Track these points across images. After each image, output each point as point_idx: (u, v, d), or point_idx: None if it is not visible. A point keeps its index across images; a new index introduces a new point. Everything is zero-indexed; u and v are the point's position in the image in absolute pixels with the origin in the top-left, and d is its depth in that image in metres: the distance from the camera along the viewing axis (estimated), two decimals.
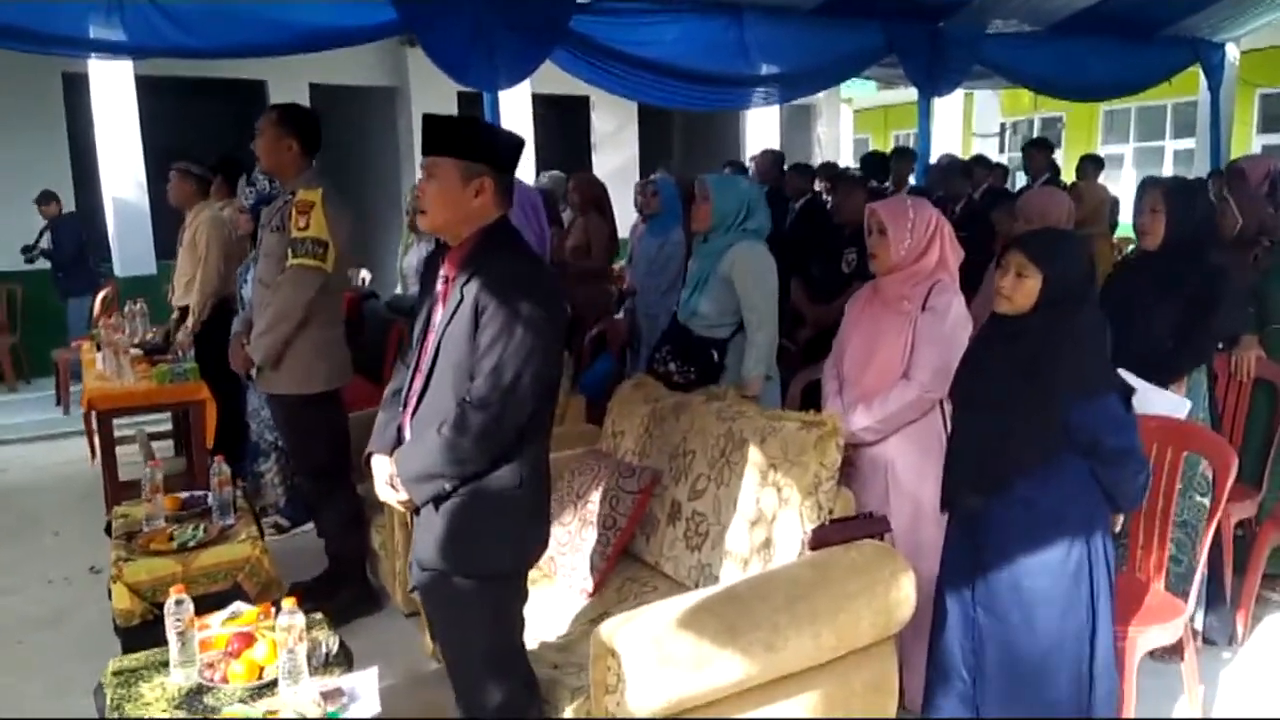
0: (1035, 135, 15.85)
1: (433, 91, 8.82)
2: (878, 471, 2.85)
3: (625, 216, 6.17)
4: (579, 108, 11.30)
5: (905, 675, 2.72)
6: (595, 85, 6.91)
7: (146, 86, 8.33)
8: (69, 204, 8.47)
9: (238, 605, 2.56)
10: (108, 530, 3.45)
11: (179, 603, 2.32)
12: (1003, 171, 8.08)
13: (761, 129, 11.97)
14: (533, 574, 3.00)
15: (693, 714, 2.16)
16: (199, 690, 2.28)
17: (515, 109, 8.71)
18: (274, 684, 2.25)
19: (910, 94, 7.94)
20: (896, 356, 2.78)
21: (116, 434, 4.78)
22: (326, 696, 2.18)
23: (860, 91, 16.07)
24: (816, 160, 10.97)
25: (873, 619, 2.33)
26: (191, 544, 3.11)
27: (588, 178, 5.91)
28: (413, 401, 2.23)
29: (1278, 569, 3.59)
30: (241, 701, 2.23)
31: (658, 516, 2.97)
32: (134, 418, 5.18)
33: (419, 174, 2.36)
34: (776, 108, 11.46)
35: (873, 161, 7.45)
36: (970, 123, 14.02)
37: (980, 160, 8.10)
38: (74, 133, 8.72)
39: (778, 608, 2.20)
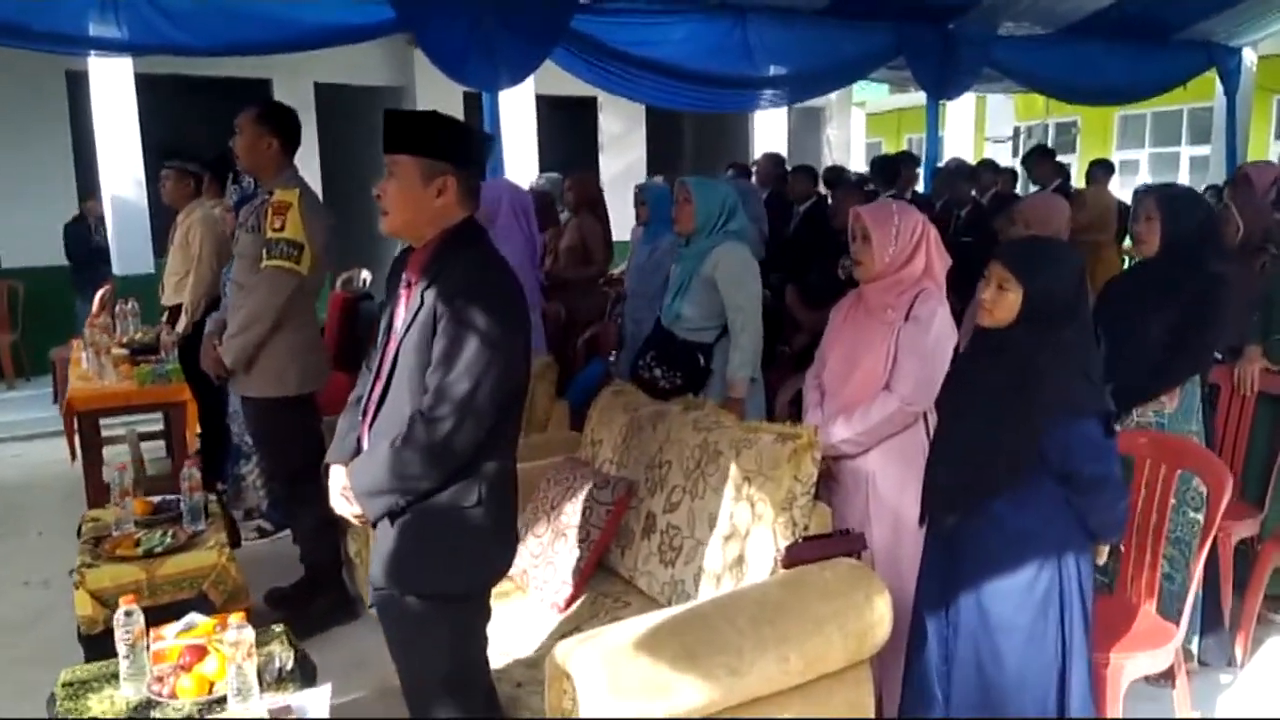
0: (1050, 140, 15.73)
1: (438, 91, 8.72)
2: (859, 484, 2.75)
3: (630, 219, 6.08)
4: (586, 108, 11.23)
5: (885, 693, 2.64)
6: (597, 86, 6.85)
7: (148, 85, 8.32)
8: (72, 202, 8.47)
9: (192, 616, 2.49)
10: (79, 533, 3.40)
11: (128, 614, 2.25)
12: (1012, 176, 7.95)
13: (770, 131, 11.88)
14: (506, 586, 2.94)
15: None
16: (147, 704, 2.21)
17: (518, 109, 8.66)
18: (224, 700, 2.18)
19: (924, 97, 7.83)
20: (878, 367, 2.69)
21: (107, 433, 4.75)
22: (275, 714, 2.11)
23: (873, 95, 15.96)
24: (826, 163, 10.85)
25: (844, 643, 2.23)
26: (158, 550, 3.04)
27: (583, 178, 5.83)
28: (371, 410, 2.16)
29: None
30: (189, 718, 2.16)
31: (633, 529, 2.88)
32: (126, 417, 5.14)
33: None
34: (785, 110, 11.36)
35: (883, 165, 7.32)
36: (983, 127, 13.88)
37: (987, 164, 7.97)
38: (77, 131, 8.72)
39: (742, 630, 2.11)
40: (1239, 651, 3.23)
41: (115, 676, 2.30)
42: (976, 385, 2.29)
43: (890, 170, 7.19)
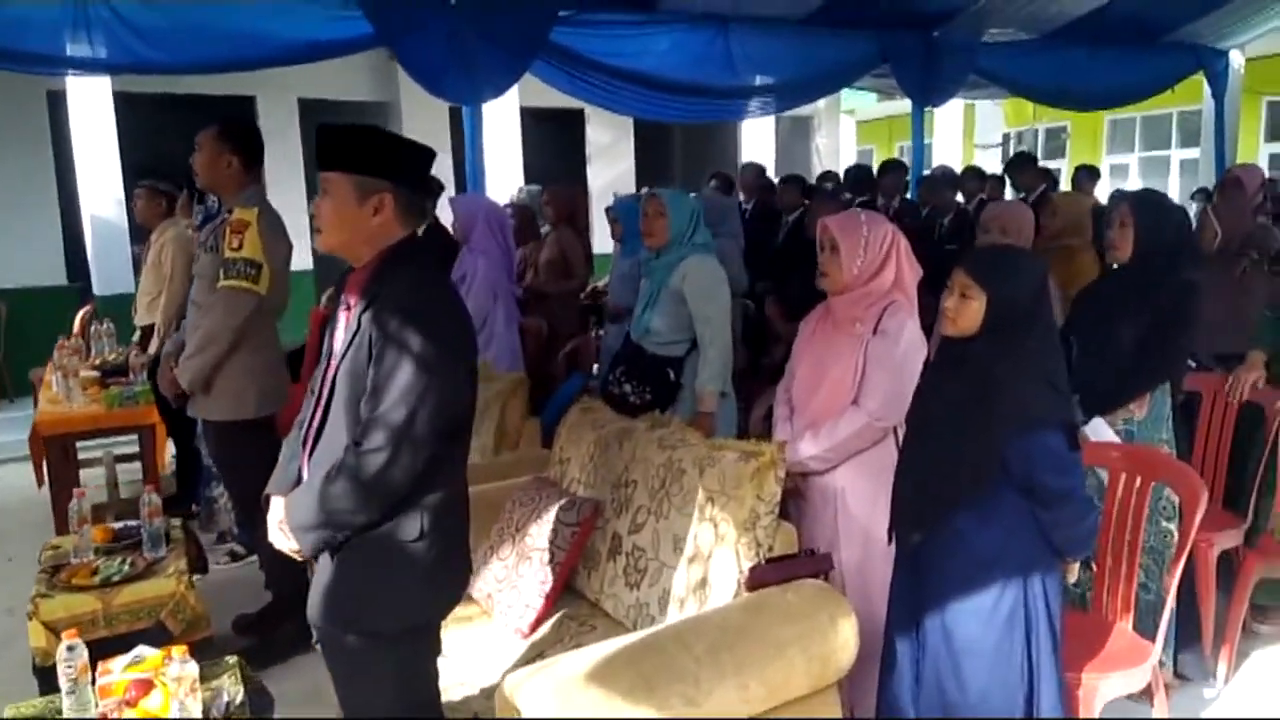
0: (1040, 145, 15.70)
1: (424, 106, 8.66)
2: (827, 501, 2.69)
3: None
4: (573, 121, 11.17)
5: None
6: (579, 98, 6.80)
7: (127, 103, 8.25)
8: (54, 221, 8.41)
9: (141, 649, 2.41)
10: (40, 561, 3.32)
11: (70, 649, 2.18)
12: (999, 182, 7.88)
13: (759, 141, 11.82)
14: (470, 610, 2.87)
15: None
16: None
17: (503, 122, 8.61)
18: None
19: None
20: (846, 381, 2.62)
21: (85, 455, 4.66)
22: None
23: (863, 103, 15.90)
24: (817, 172, 10.80)
25: (807, 667, 2.15)
26: (116, 578, 2.97)
27: (560, 191, 5.77)
28: (311, 438, 2.06)
29: (1265, 600, 3.41)
30: None
31: (600, 550, 2.81)
32: (103, 440, 5.06)
33: None
34: (773, 119, 11.31)
35: (856, 176, 7.24)
36: (972, 133, 13.84)
37: (972, 172, 7.92)
38: (59, 151, 8.67)
39: (699, 658, 2.03)
40: (1224, 664, 3.16)
41: (59, 713, 2.23)
42: (939, 397, 2.23)
43: (865, 179, 7.12)
